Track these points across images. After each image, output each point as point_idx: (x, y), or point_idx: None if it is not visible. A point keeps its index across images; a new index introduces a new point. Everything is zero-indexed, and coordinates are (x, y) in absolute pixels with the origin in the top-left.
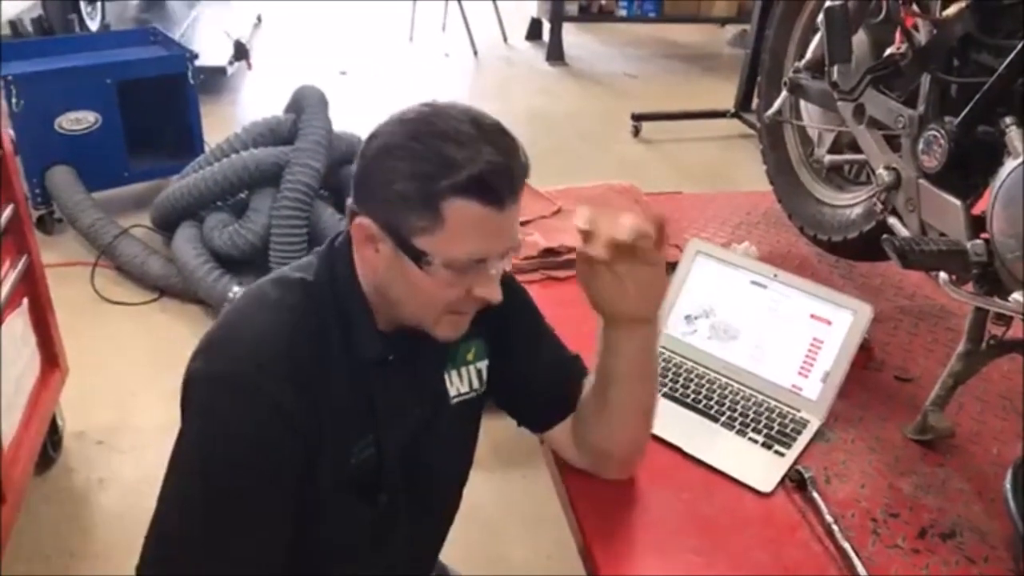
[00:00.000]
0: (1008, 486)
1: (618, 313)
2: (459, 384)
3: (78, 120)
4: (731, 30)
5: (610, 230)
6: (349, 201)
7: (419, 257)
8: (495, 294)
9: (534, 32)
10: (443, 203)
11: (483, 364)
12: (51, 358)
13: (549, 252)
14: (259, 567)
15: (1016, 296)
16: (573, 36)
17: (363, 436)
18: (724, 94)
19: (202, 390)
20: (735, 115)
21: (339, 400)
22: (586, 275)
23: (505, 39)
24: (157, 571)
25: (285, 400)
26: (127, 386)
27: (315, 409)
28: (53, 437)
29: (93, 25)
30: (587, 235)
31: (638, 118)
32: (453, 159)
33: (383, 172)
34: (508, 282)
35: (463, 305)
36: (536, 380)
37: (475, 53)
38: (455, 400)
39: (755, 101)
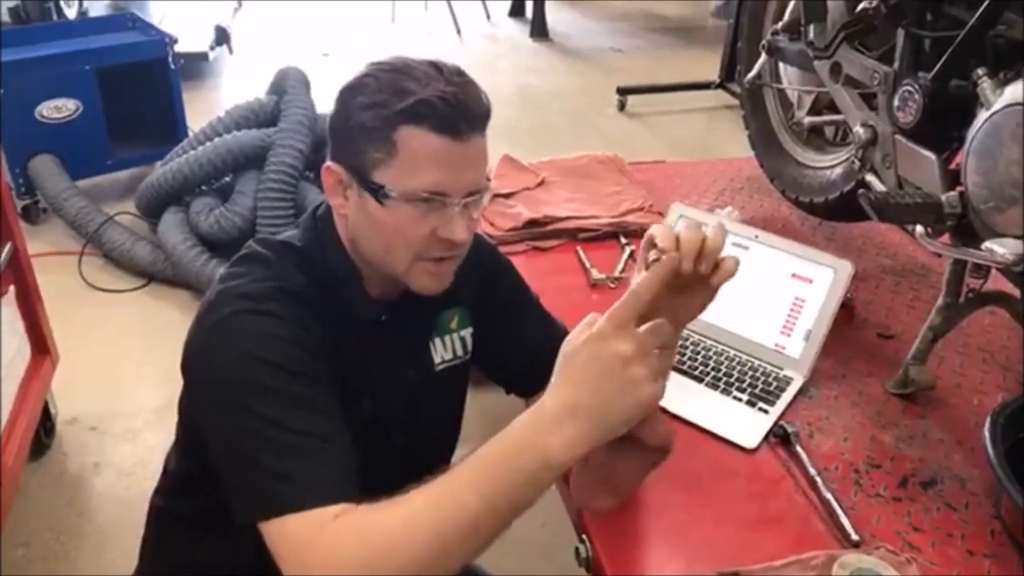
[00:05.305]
0: (987, 433)
1: None
2: (443, 352)
3: (59, 108)
4: (715, 2)
5: (694, 241)
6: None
7: (377, 191)
8: (458, 232)
9: (517, 9)
10: (396, 131)
11: (467, 332)
12: (41, 346)
13: (533, 223)
14: (339, 445)
15: (987, 245)
16: (557, 12)
17: (362, 397)
18: (709, 65)
19: (225, 313)
20: (720, 86)
21: (338, 361)
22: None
23: (488, 16)
24: (258, 506)
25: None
26: (119, 372)
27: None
28: (46, 424)
29: (71, 13)
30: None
31: (624, 92)
32: (406, 88)
33: (346, 110)
34: (491, 252)
35: (431, 249)
36: (523, 346)
37: (458, 31)
38: (440, 367)
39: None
